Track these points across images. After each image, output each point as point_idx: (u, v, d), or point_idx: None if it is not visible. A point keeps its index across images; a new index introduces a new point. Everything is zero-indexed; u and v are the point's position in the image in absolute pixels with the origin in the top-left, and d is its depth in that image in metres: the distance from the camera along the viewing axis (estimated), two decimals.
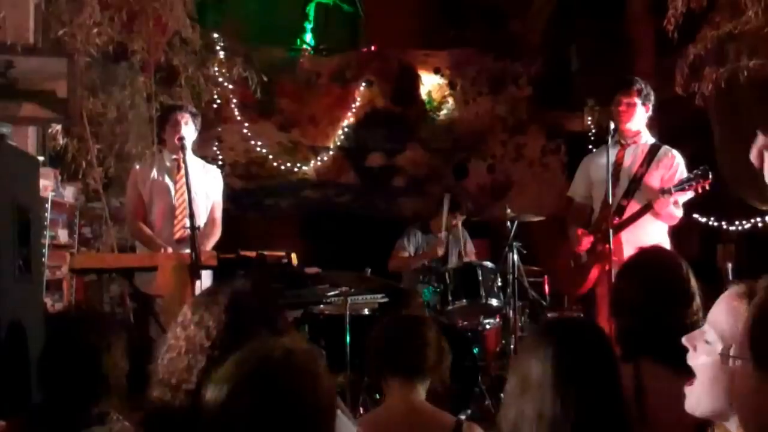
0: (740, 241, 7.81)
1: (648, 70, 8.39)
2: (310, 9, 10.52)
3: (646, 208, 4.57)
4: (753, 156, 2.96)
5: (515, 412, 1.81)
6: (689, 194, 4.52)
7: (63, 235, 6.29)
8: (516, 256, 5.41)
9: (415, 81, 9.53)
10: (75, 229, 6.42)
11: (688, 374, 1.67)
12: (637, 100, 4.69)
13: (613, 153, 4.71)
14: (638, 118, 4.74)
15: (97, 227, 6.73)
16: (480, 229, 6.36)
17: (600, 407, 1.78)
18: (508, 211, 5.57)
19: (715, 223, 7.72)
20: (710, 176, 4.33)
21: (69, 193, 6.41)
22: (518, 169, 9.60)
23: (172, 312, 4.14)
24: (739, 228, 7.61)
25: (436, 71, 9.59)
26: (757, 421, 1.12)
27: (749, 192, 7.17)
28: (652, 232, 4.59)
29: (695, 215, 7.62)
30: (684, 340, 1.62)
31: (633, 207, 4.66)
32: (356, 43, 10.45)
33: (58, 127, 6.20)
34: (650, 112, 4.77)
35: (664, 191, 4.47)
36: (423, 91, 9.55)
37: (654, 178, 4.69)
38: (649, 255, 2.71)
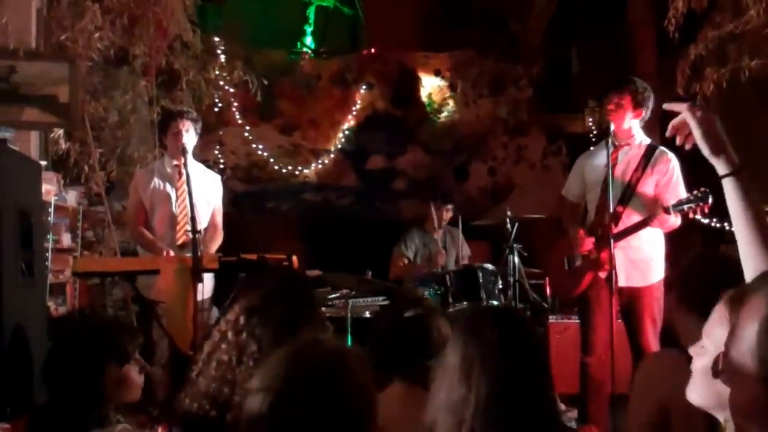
0: None
1: (649, 71, 8.40)
2: (311, 12, 10.56)
3: (645, 222, 4.48)
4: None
5: (433, 410, 1.81)
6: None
7: (66, 239, 6.30)
8: (516, 258, 5.41)
9: (416, 83, 9.55)
10: (78, 233, 6.43)
11: None
12: (627, 102, 4.58)
13: (608, 153, 4.58)
14: (628, 120, 4.63)
15: (99, 231, 6.74)
16: (480, 232, 6.37)
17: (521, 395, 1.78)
18: (508, 212, 5.56)
19: (718, 224, 7.71)
20: (710, 200, 4.18)
21: (71, 197, 6.42)
22: (519, 172, 9.60)
23: (174, 315, 4.17)
24: None
25: (437, 73, 9.60)
26: None
27: None
28: (645, 236, 4.56)
29: (698, 216, 7.63)
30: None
31: (628, 214, 4.58)
32: (356, 46, 10.47)
33: (60, 131, 6.22)
34: (645, 115, 4.66)
35: (665, 209, 4.36)
36: (423, 94, 9.56)
37: (649, 184, 4.61)
38: (708, 255, 2.89)
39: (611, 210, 4.48)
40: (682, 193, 4.52)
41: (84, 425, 2.30)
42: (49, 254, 5.43)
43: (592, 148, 5.08)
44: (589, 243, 4.71)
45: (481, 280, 5.53)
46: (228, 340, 1.93)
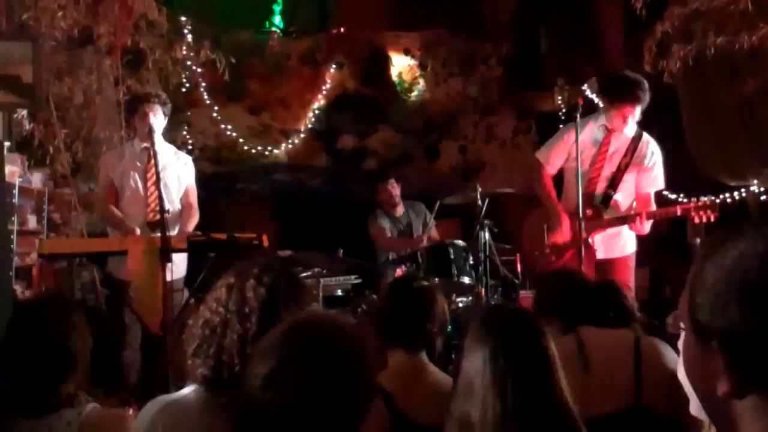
0: None
1: (616, 49, 8.45)
2: None
3: (626, 220, 4.71)
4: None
5: (460, 413, 1.88)
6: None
7: (32, 222, 6.23)
8: (487, 235, 5.43)
9: (386, 62, 9.50)
10: (44, 215, 6.35)
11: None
12: (638, 111, 4.75)
13: (600, 134, 4.86)
14: (632, 125, 4.84)
15: (66, 213, 6.66)
16: (451, 209, 6.37)
17: (540, 406, 1.85)
18: (479, 188, 5.58)
19: (685, 200, 7.78)
20: (717, 209, 4.53)
21: (37, 178, 6.35)
22: (490, 150, 9.62)
23: (143, 296, 4.14)
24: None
25: (407, 52, 9.56)
26: (702, 391, 1.15)
27: (717, 168, 7.25)
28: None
29: (665, 192, 7.70)
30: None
31: (616, 200, 4.83)
32: (326, 25, 10.39)
33: (24, 112, 6.13)
34: None
35: (648, 215, 4.64)
36: (394, 73, 9.52)
37: (633, 171, 4.84)
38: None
39: (602, 191, 4.80)
40: (661, 183, 4.86)
41: (53, 406, 2.28)
42: (14, 237, 5.36)
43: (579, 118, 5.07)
44: (569, 233, 4.86)
45: (452, 257, 5.54)
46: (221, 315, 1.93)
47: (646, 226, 4.69)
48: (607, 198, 4.80)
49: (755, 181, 7.09)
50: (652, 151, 4.85)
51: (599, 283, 3.03)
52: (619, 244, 4.86)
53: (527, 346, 1.91)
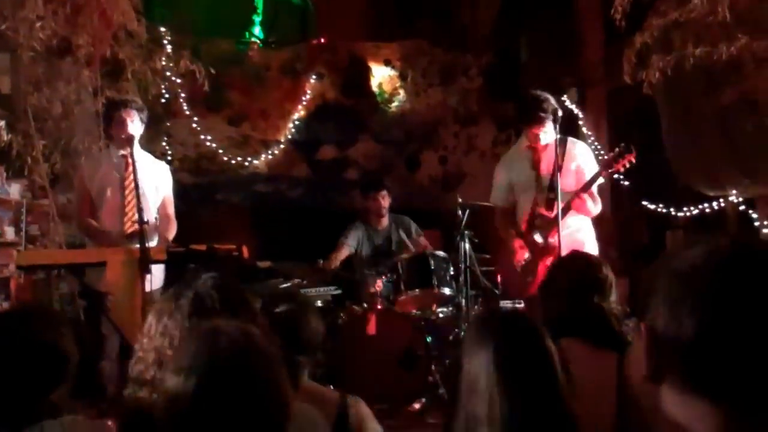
0: (689, 227, 7.94)
1: (596, 60, 8.50)
2: (259, 2, 10.45)
3: (569, 205, 4.75)
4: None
5: (465, 414, 1.89)
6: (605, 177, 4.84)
7: (9, 233, 6.17)
8: (467, 245, 5.44)
9: (366, 73, 9.50)
10: (22, 226, 6.30)
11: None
12: (548, 125, 4.85)
13: (528, 157, 5.01)
14: (548, 135, 4.90)
15: (44, 224, 6.60)
16: (431, 220, 6.38)
17: (544, 402, 1.88)
18: (459, 199, 5.59)
19: (664, 210, 7.83)
20: (632, 150, 4.61)
21: (15, 189, 6.29)
22: (470, 161, 9.63)
23: (122, 307, 4.11)
24: (688, 214, 7.74)
25: (387, 63, 9.57)
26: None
27: (697, 178, 7.30)
28: (577, 218, 4.85)
29: (644, 202, 7.74)
30: None
31: (561, 200, 4.83)
32: (306, 36, 10.39)
33: (2, 123, 6.08)
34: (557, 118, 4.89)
35: (578, 191, 4.74)
36: (374, 83, 9.52)
37: (570, 170, 4.93)
38: (577, 255, 3.28)
39: (543, 198, 4.85)
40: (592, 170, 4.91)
41: (35, 417, 2.25)
42: None
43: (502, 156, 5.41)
44: (523, 252, 4.89)
45: (432, 267, 5.55)
46: (152, 342, 1.93)
47: (591, 204, 4.77)
48: (550, 201, 4.82)
49: (734, 191, 7.14)
50: (579, 148, 5.05)
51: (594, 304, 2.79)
52: (584, 245, 4.84)
53: (529, 348, 1.94)
